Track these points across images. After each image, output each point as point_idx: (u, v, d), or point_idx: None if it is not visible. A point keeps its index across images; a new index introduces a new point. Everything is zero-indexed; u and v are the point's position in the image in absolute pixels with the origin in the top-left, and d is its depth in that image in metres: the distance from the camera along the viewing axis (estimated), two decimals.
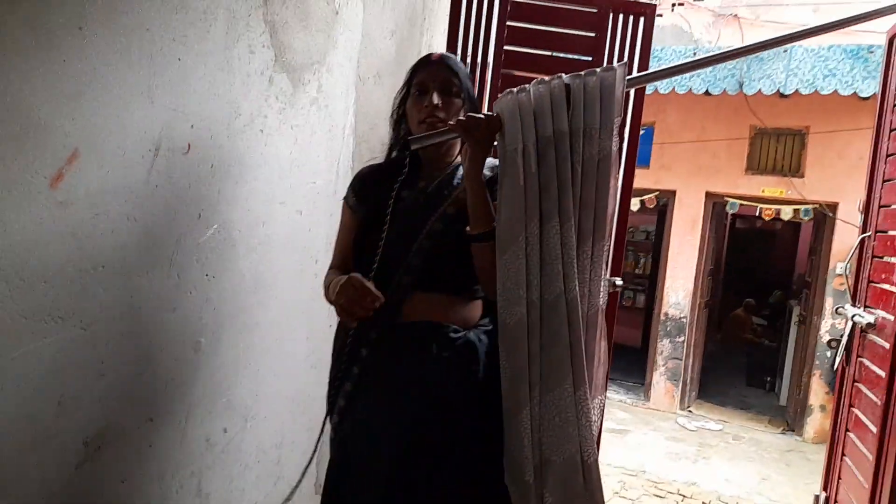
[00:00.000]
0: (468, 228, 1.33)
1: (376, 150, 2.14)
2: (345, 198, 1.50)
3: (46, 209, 1.11)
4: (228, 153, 1.49)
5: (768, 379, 7.00)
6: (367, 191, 1.46)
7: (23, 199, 1.06)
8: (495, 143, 1.33)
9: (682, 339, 6.05)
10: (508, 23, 2.39)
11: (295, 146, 1.72)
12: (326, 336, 1.90)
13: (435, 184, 1.42)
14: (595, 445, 1.34)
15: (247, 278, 1.61)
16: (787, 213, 5.72)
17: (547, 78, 1.33)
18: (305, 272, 1.85)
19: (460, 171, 1.41)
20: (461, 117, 1.31)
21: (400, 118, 1.46)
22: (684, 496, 4.16)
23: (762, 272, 9.96)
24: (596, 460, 1.33)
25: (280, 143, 1.66)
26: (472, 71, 2.38)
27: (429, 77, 1.40)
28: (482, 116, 1.29)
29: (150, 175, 1.30)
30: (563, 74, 1.34)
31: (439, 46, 2.42)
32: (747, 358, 7.93)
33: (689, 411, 6.11)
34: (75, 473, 1.23)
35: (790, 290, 8.14)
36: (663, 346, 6.09)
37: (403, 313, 1.36)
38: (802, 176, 5.69)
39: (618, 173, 1.35)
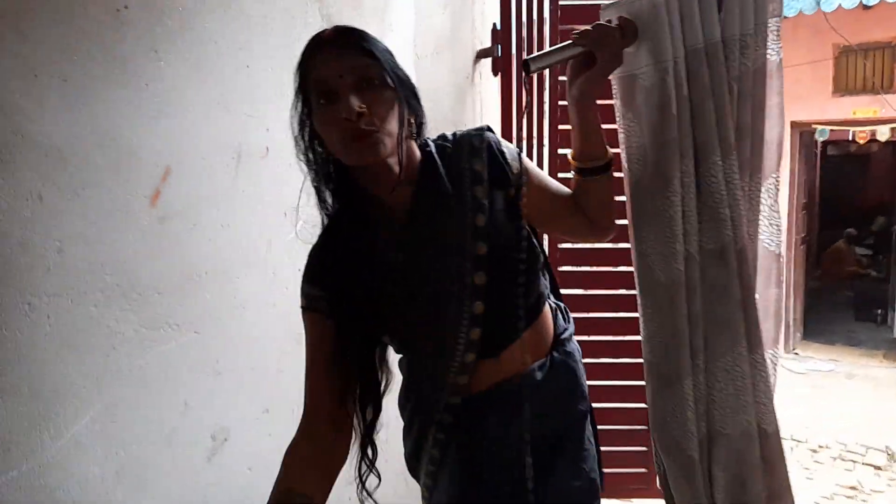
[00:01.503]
0: (575, 161, 1.09)
1: (440, 126, 2.15)
2: (304, 305, 1.06)
3: (149, 225, 1.19)
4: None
5: (879, 311, 6.61)
6: (335, 274, 1.02)
7: (128, 220, 1.14)
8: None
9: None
10: None
11: None
12: None
13: (418, 202, 1.01)
14: (775, 411, 1.15)
15: None
16: (883, 133, 5.33)
17: None
18: None
19: (437, 170, 1.03)
20: (588, 27, 1.02)
21: (311, 143, 1.00)
22: (798, 442, 4.02)
23: (861, 199, 9.36)
24: (777, 429, 1.14)
25: None
26: (529, 31, 2.34)
27: (330, 71, 0.91)
28: (615, 26, 1.05)
29: (235, 181, 1.37)
30: None
31: (492, 13, 2.39)
32: (853, 292, 7.50)
33: (796, 353, 5.88)
34: (207, 465, 1.32)
35: (894, 216, 7.62)
36: (768, 296, 5.86)
37: (472, 386, 1.06)
38: None
39: (781, 88, 1.11)
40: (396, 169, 0.96)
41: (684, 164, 1.07)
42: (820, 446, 3.98)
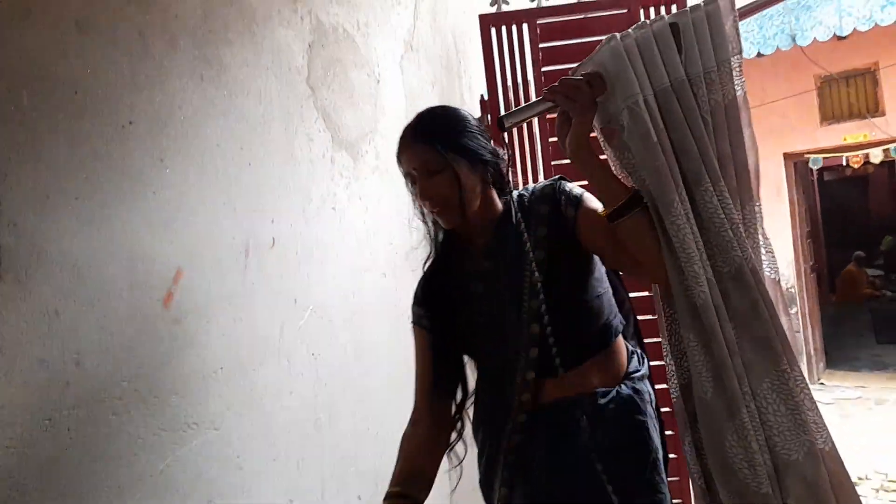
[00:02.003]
0: (603, 211, 1.15)
1: None
2: (413, 321, 1.32)
3: (164, 327, 1.22)
4: (308, 237, 1.58)
5: None
6: (436, 299, 1.28)
7: (143, 324, 1.17)
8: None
9: (794, 310, 5.76)
10: (541, 45, 2.42)
11: (367, 214, 1.81)
12: None
13: (495, 242, 1.23)
14: (827, 427, 1.10)
15: (348, 349, 1.68)
16: (876, 155, 5.40)
17: (646, 21, 1.15)
18: (402, 331, 1.91)
19: (512, 215, 1.23)
20: (555, 84, 1.12)
21: (419, 208, 1.29)
22: None
23: (864, 221, 9.37)
24: (835, 446, 1.09)
25: (353, 215, 1.75)
26: (516, 97, 2.42)
27: (408, 162, 1.21)
28: (581, 78, 1.11)
29: (245, 275, 1.40)
30: (663, 14, 1.19)
31: (479, 85, 2.47)
32: (871, 314, 7.42)
33: (822, 384, 5.78)
34: None
35: None
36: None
37: (534, 403, 1.20)
38: (883, 114, 5.38)
39: (749, 121, 1.16)
40: (474, 222, 1.22)
41: (679, 192, 1.10)
42: (860, 478, 3.87)
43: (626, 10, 2.40)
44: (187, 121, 1.30)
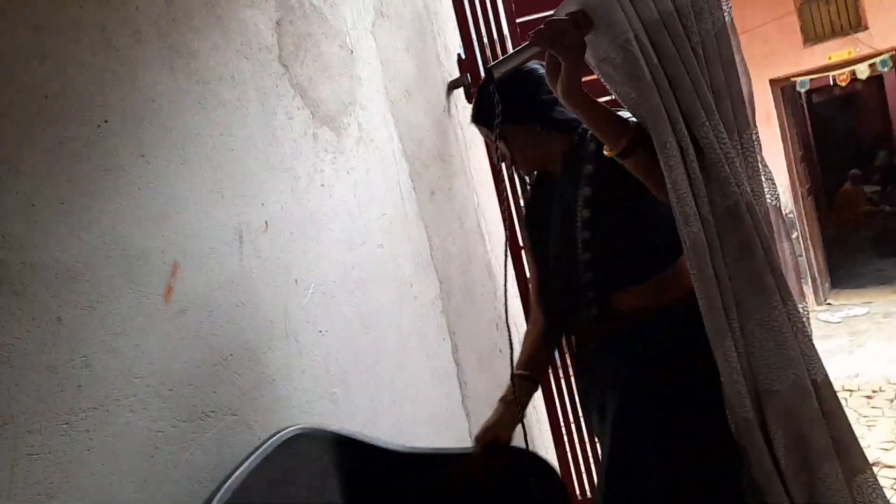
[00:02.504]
0: (608, 152, 1.18)
1: (429, 164, 2.19)
2: (523, 242, 1.64)
3: (169, 321, 1.22)
4: (300, 216, 1.58)
5: None
6: (532, 223, 1.52)
7: (147, 321, 1.18)
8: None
9: (795, 235, 5.77)
10: None
11: (357, 188, 1.80)
12: (439, 352, 1.97)
13: (563, 176, 1.40)
14: (821, 360, 1.14)
15: (354, 323, 1.69)
16: (862, 71, 5.34)
17: None
18: (404, 299, 1.92)
19: (571, 156, 1.38)
20: (540, 27, 1.10)
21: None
22: (851, 391, 3.97)
23: (857, 139, 9.32)
24: (828, 378, 1.13)
25: (342, 190, 1.74)
26: (494, 53, 2.39)
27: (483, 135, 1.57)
28: (565, 19, 1.09)
29: (242, 261, 1.41)
30: None
31: (453, 45, 2.44)
32: (871, 230, 7.44)
33: (829, 304, 5.83)
34: None
35: (894, 147, 7.57)
36: (781, 250, 5.83)
37: (607, 322, 1.36)
38: (867, 28, 5.31)
39: (739, 47, 1.15)
40: (543, 163, 1.46)
41: (677, 129, 1.08)
42: (874, 391, 3.93)
43: None
44: (163, 113, 1.29)
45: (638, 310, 1.33)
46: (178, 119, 1.33)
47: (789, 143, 5.75)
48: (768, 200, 1.17)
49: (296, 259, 1.55)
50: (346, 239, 1.73)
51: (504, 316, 2.48)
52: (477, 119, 1.47)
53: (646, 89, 1.08)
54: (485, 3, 2.36)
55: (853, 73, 5.35)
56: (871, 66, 5.26)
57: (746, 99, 1.14)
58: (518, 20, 2.36)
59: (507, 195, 2.39)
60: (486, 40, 2.36)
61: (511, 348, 1.31)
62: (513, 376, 1.41)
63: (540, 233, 1.46)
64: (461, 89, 2.45)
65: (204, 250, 1.32)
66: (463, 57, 2.39)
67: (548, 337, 1.55)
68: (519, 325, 2.62)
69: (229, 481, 1.13)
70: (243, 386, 1.35)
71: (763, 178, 1.16)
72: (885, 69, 5.32)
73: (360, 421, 1.65)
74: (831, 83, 5.57)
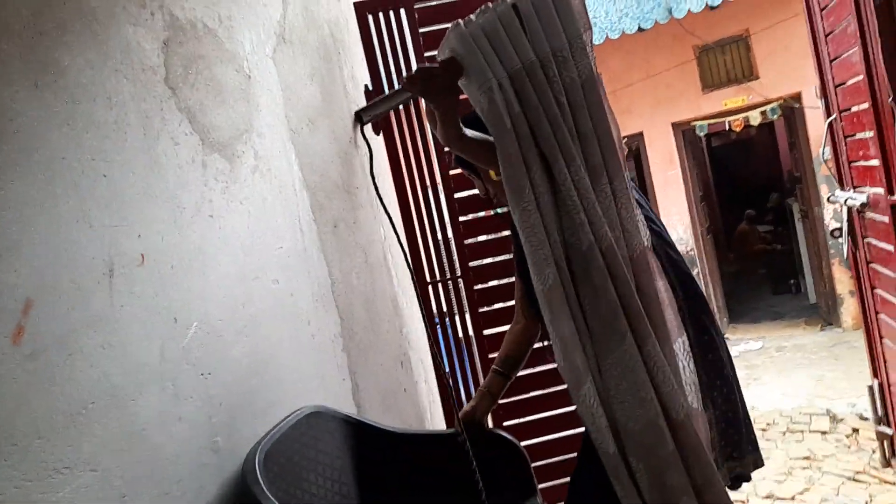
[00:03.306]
0: (495, 177, 1.30)
1: (333, 196, 2.12)
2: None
3: (17, 365, 1.08)
4: (185, 249, 1.47)
5: (792, 282, 6.97)
6: (515, 235, 1.55)
7: None
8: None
9: (696, 271, 6.02)
10: (421, 29, 2.37)
11: (250, 219, 1.70)
12: (339, 393, 1.88)
13: None
14: (685, 398, 1.19)
15: (243, 364, 1.58)
16: (754, 117, 5.71)
17: (489, 5, 1.16)
18: (301, 337, 1.82)
19: None
20: (412, 72, 1.17)
21: None
22: None
23: (753, 181, 9.94)
24: (689, 415, 1.17)
25: (234, 221, 1.64)
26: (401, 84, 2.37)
27: None
28: (434, 66, 1.13)
29: (112, 298, 1.28)
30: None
31: (361, 75, 2.40)
32: (766, 268, 7.89)
33: (727, 338, 6.08)
34: None
35: (785, 190, 8.11)
36: (656, 289, 6.08)
37: None
38: (758, 77, 5.68)
39: (605, 95, 1.19)
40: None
41: (532, 175, 1.13)
42: (768, 424, 4.09)
43: None
44: (24, 133, 1.17)
45: None
46: (42, 140, 1.20)
47: (690, 183, 6.04)
48: (643, 242, 1.20)
49: (176, 295, 1.43)
50: (237, 273, 1.63)
51: (407, 353, 2.41)
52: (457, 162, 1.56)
53: (505, 136, 1.12)
54: (392, 35, 2.34)
55: (747, 119, 5.70)
56: (762, 113, 5.63)
57: (616, 144, 1.16)
58: (427, 53, 2.35)
59: (417, 226, 2.35)
60: (393, 72, 2.33)
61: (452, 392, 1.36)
62: (491, 372, 1.70)
63: (521, 253, 1.47)
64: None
65: (64, 285, 1.19)
66: (370, 88, 2.35)
67: (525, 336, 1.72)
68: (425, 363, 2.55)
69: (258, 452, 1.44)
70: (106, 437, 1.21)
71: (640, 222, 1.20)
72: (775, 117, 5.70)
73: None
74: (727, 128, 5.91)
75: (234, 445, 1.51)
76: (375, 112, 1.23)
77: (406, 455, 1.79)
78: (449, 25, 2.45)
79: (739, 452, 1.40)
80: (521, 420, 2.43)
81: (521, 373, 1.92)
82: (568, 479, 2.28)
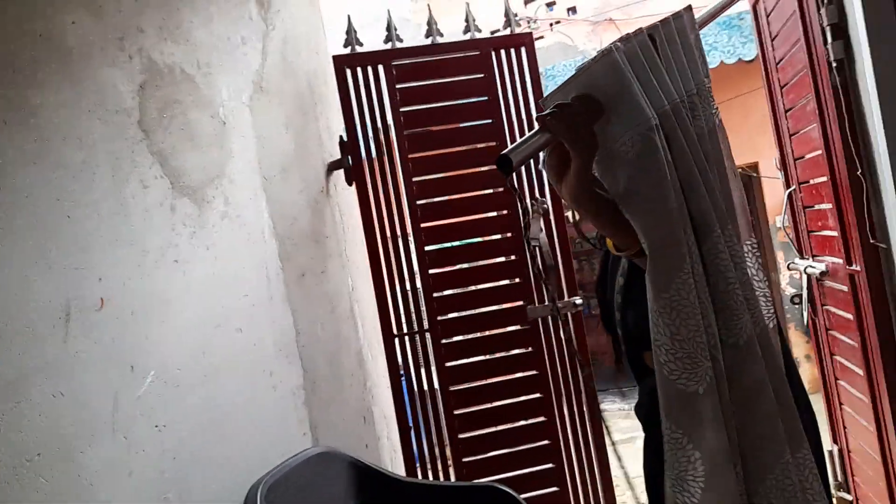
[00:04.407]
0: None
1: (301, 245, 2.10)
2: None
3: None
4: (147, 294, 1.43)
5: None
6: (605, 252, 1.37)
7: None
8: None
9: None
10: (398, 85, 2.41)
11: (216, 265, 1.67)
12: (301, 447, 1.81)
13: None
14: None
15: (201, 415, 1.52)
16: None
17: (628, 34, 0.93)
18: (264, 388, 1.76)
19: None
20: (554, 110, 0.91)
21: None
22: None
23: None
24: None
25: (199, 267, 1.60)
26: (377, 140, 2.38)
27: None
28: (573, 102, 0.91)
29: (66, 343, 1.23)
30: (642, 29, 0.93)
31: (337, 126, 2.42)
32: None
33: None
34: None
35: None
36: None
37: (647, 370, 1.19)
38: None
39: (729, 152, 0.99)
40: None
41: (689, 243, 0.89)
42: None
43: (477, 52, 2.45)
44: None
45: None
46: (6, 178, 1.17)
47: None
48: (767, 324, 0.98)
49: (135, 342, 1.38)
50: (199, 320, 1.58)
51: (371, 408, 2.36)
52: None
53: (665, 188, 0.88)
54: (369, 90, 2.37)
55: None
56: None
57: (739, 205, 0.97)
58: (402, 109, 2.38)
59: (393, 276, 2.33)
60: (369, 125, 2.36)
61: None
62: None
63: (601, 271, 1.31)
64: (341, 171, 2.40)
65: (17, 329, 1.14)
66: (345, 139, 2.36)
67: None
68: (388, 418, 2.50)
69: (261, 486, 1.45)
70: (51, 491, 1.14)
71: (761, 297, 0.97)
72: None
73: None
74: None
75: (185, 502, 1.44)
76: (522, 154, 0.93)
77: (410, 502, 1.80)
78: (423, 83, 2.52)
79: None
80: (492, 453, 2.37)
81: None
82: None
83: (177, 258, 1.53)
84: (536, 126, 0.95)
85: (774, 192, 5.44)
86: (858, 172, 1.78)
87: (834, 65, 1.76)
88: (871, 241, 1.80)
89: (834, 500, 2.53)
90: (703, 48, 0.97)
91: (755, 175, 5.78)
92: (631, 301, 1.20)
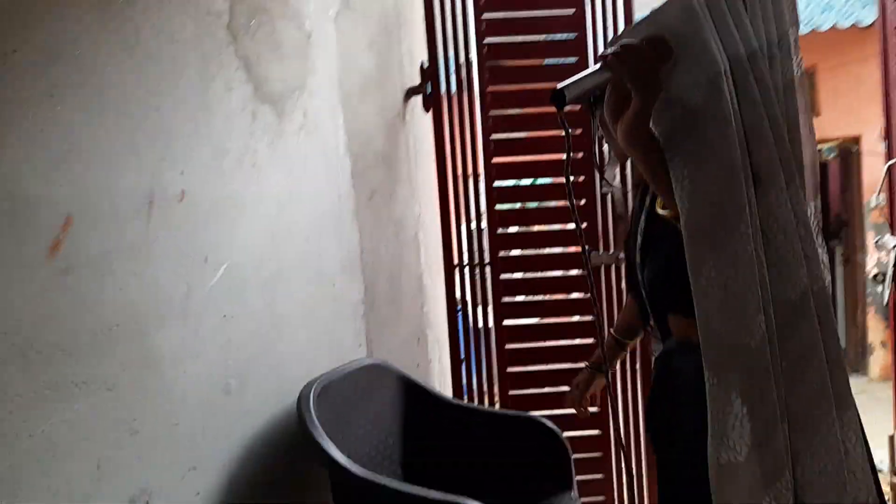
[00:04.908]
0: (663, 211, 0.99)
1: (374, 165, 2.13)
2: None
3: (50, 279, 1.12)
4: (224, 193, 1.50)
5: None
6: (632, 207, 1.38)
7: (23, 274, 1.07)
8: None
9: None
10: (485, 15, 2.37)
11: (290, 176, 1.72)
12: (354, 358, 1.89)
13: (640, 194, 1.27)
14: (869, 480, 0.95)
15: (263, 313, 1.61)
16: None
17: None
18: (323, 298, 1.84)
19: None
20: (617, 49, 0.89)
21: None
22: None
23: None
24: (876, 499, 0.94)
25: (275, 174, 1.66)
26: (457, 70, 2.36)
27: None
28: (643, 42, 0.89)
29: (148, 228, 1.31)
30: None
31: (419, 52, 2.40)
32: None
33: None
34: None
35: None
36: None
37: (670, 333, 1.25)
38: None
39: (807, 106, 0.96)
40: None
41: (749, 195, 0.86)
42: None
43: None
44: (85, 55, 1.20)
45: (687, 337, 1.15)
46: (101, 64, 1.23)
47: None
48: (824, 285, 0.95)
49: (210, 237, 1.46)
50: (270, 226, 1.65)
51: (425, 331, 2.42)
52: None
53: (730, 138, 0.85)
54: (455, 17, 2.34)
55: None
56: (818, 150, 5.50)
57: (809, 166, 0.94)
58: (486, 40, 2.34)
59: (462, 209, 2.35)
60: (451, 54, 2.34)
61: None
62: (607, 338, 1.62)
63: (629, 230, 1.33)
64: (419, 97, 2.41)
65: (105, 209, 1.22)
66: (426, 66, 2.35)
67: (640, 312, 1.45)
68: (441, 343, 2.56)
69: (315, 384, 1.56)
70: (125, 361, 1.24)
71: (821, 261, 0.94)
72: (831, 156, 5.56)
73: (250, 423, 1.55)
74: None
75: (244, 390, 1.54)
76: (578, 91, 0.92)
77: (454, 425, 1.84)
78: (510, 14, 2.45)
79: None
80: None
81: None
82: (601, 475, 2.35)
83: (254, 163, 1.59)
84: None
85: (873, 170, 5.10)
86: None
87: None
88: None
89: (889, 484, 2.46)
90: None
91: (856, 149, 5.41)
92: (650, 260, 1.24)
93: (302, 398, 1.48)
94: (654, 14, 0.91)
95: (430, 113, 2.40)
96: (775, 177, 0.88)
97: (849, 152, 5.53)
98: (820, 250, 0.94)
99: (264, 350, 1.61)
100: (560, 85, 0.90)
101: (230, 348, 1.50)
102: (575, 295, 2.49)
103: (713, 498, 0.93)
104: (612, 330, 1.62)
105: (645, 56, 0.88)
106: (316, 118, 1.84)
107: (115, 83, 1.25)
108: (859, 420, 0.95)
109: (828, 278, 0.94)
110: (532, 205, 2.50)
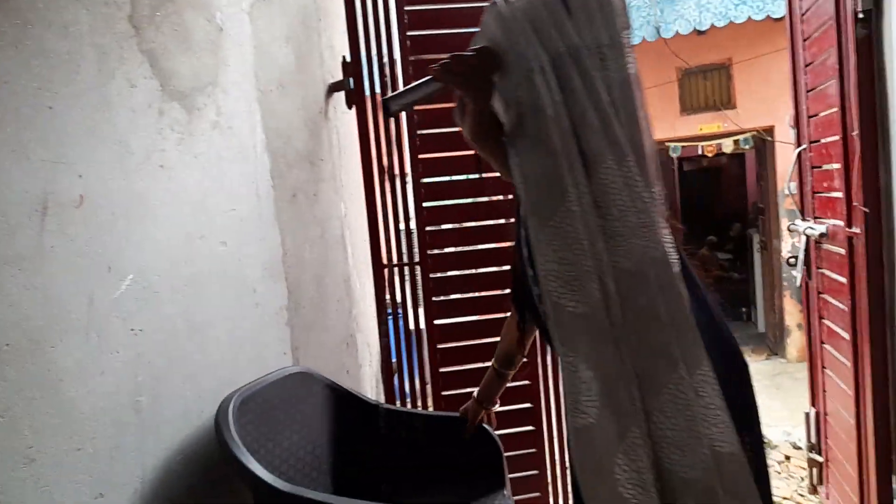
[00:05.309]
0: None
1: (295, 164, 2.05)
2: None
3: None
4: (128, 196, 1.39)
5: (744, 310, 7.11)
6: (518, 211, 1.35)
7: None
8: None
9: None
10: (407, 7, 2.32)
11: (203, 175, 1.63)
12: (276, 367, 1.82)
13: None
14: (729, 430, 0.99)
15: (178, 324, 1.51)
16: (727, 145, 5.79)
17: None
18: (245, 304, 1.76)
19: None
20: (445, 60, 1.00)
21: None
22: None
23: (718, 209, 10.12)
24: (733, 450, 0.98)
25: (185, 175, 1.57)
26: (380, 64, 2.31)
27: None
28: (471, 53, 1.00)
29: (42, 237, 1.20)
30: None
31: (340, 45, 2.34)
32: (720, 294, 8.03)
33: None
34: None
35: (747, 220, 8.26)
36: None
37: None
38: (735, 107, 5.77)
39: (644, 101, 1.05)
40: None
41: (574, 175, 0.96)
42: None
43: None
44: None
45: None
46: None
47: None
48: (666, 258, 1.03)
49: (113, 243, 1.35)
50: (183, 230, 1.56)
51: (354, 336, 2.36)
52: None
53: (548, 126, 0.96)
54: (377, 8, 2.28)
55: (719, 146, 5.78)
56: (735, 141, 5.71)
57: (649, 154, 1.02)
58: (409, 33, 2.30)
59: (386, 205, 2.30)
60: (374, 47, 2.28)
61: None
62: (490, 369, 1.66)
63: (515, 244, 1.31)
64: (342, 93, 2.34)
65: None
66: (348, 60, 2.29)
67: (521, 329, 1.50)
68: (371, 347, 2.51)
69: (235, 396, 1.48)
70: (18, 382, 1.14)
71: (664, 238, 1.03)
72: (747, 147, 5.79)
73: (165, 441, 1.46)
74: (700, 153, 5.98)
75: (157, 407, 1.44)
76: (404, 102, 1.08)
77: (386, 431, 1.82)
78: (433, 7, 2.42)
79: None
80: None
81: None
82: (536, 471, 2.35)
83: (162, 163, 1.50)
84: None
85: (786, 160, 5.34)
86: (854, 133, 1.72)
87: (860, 16, 1.67)
88: (870, 203, 1.76)
89: (805, 461, 2.57)
90: (623, 6, 1.05)
91: (769, 139, 5.66)
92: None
93: (220, 411, 1.40)
94: (482, 27, 1.03)
95: (354, 109, 2.34)
96: (604, 157, 0.97)
97: (763, 142, 5.78)
98: (665, 231, 1.01)
99: (179, 362, 1.52)
100: (386, 97, 1.05)
101: (140, 362, 1.40)
102: (507, 290, 2.49)
103: (573, 461, 1.00)
104: (493, 363, 1.66)
105: (472, 65, 0.99)
106: (230, 115, 1.75)
107: (2, 80, 1.14)
108: (714, 376, 0.98)
109: (671, 248, 1.01)
110: (460, 201, 2.48)
